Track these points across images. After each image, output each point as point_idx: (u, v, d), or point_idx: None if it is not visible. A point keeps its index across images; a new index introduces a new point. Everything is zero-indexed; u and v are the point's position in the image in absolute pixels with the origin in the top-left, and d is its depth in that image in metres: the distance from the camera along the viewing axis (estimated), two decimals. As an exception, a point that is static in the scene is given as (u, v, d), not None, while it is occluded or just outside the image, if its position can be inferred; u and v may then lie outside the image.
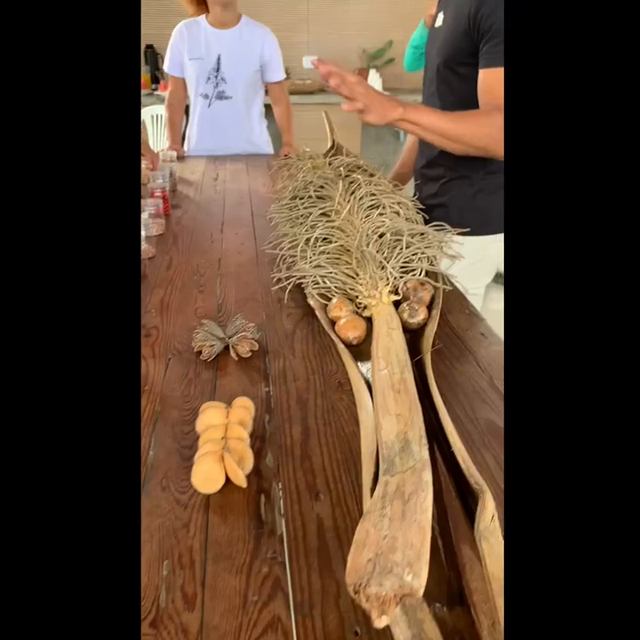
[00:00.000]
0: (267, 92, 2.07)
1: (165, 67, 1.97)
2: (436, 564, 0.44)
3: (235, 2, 1.81)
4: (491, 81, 0.97)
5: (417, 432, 0.51)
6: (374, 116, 0.92)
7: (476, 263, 1.11)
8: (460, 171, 1.11)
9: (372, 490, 0.46)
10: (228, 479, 0.55)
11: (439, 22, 1.11)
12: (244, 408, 0.62)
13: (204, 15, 1.87)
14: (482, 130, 0.95)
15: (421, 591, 0.33)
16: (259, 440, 0.61)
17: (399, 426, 0.53)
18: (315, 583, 0.45)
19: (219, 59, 1.87)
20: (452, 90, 1.07)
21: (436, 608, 0.40)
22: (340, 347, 0.75)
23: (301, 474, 0.56)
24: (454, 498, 0.50)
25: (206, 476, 0.55)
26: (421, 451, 0.48)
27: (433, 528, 0.43)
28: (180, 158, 1.94)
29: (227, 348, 0.77)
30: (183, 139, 2.10)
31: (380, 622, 0.32)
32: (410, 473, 0.44)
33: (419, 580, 0.33)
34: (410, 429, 0.52)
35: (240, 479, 0.54)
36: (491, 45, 0.96)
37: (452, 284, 0.95)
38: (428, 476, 0.43)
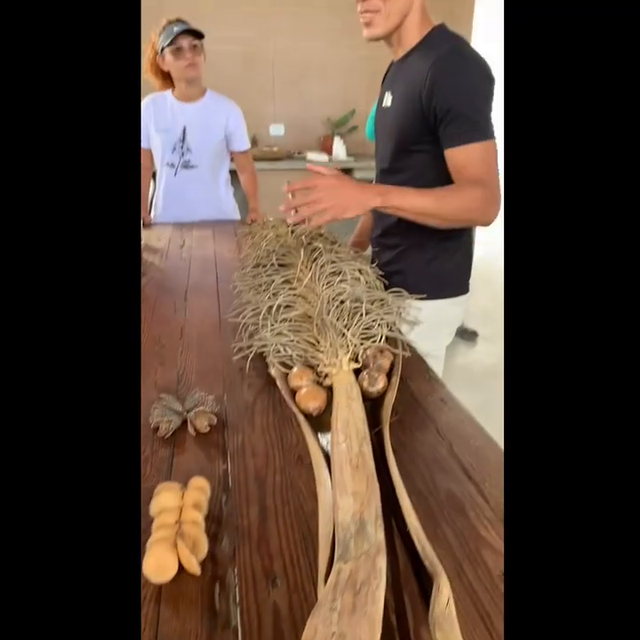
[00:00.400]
0: (232, 159, 2.13)
1: (133, 138, 2.02)
2: (392, 655, 0.42)
3: (199, 77, 1.89)
4: (460, 160, 1.01)
5: (373, 511, 0.51)
6: (352, 211, 0.95)
7: (435, 326, 1.13)
8: (414, 239, 1.15)
9: (327, 576, 0.45)
10: (181, 566, 0.53)
11: (387, 102, 1.16)
12: (199, 489, 0.61)
13: (170, 90, 1.94)
14: (464, 204, 0.99)
15: (369, 694, 0.31)
16: (214, 523, 0.59)
17: (355, 505, 0.52)
18: (268, 681, 0.43)
19: (184, 130, 1.93)
20: (407, 166, 1.11)
21: None
22: (300, 418, 0.74)
23: (258, 558, 0.55)
24: (411, 577, 0.49)
25: (158, 565, 0.53)
26: (377, 532, 0.47)
27: (388, 610, 0.42)
28: (147, 225, 1.96)
29: (185, 422, 0.76)
30: (151, 206, 2.13)
31: None
32: (363, 559, 0.43)
33: (366, 682, 0.31)
34: (366, 509, 0.51)
35: (193, 567, 0.52)
36: (453, 126, 1.00)
37: (411, 349, 0.96)
38: (381, 563, 0.43)
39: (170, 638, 0.47)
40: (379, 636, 0.36)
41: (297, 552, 0.55)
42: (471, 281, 1.24)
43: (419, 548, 0.48)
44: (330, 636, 0.35)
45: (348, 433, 0.65)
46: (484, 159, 0.99)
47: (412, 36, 1.09)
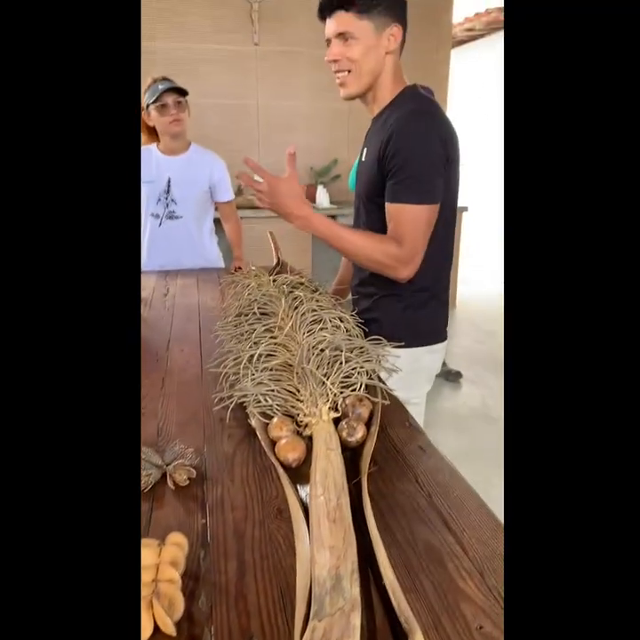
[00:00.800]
0: (217, 209, 2.18)
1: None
2: None
3: (184, 132, 1.95)
4: (392, 215, 1.08)
5: (349, 566, 0.51)
6: (281, 216, 1.11)
7: (413, 374, 1.15)
8: (389, 289, 1.19)
9: (303, 633, 0.45)
10: (157, 626, 0.53)
11: (363, 157, 1.22)
12: (177, 545, 0.60)
13: (155, 144, 2.00)
14: (376, 256, 1.08)
15: None
16: (192, 579, 0.59)
17: (332, 560, 0.52)
18: None
19: (169, 181, 1.98)
20: (376, 219, 1.16)
21: None
22: (280, 471, 0.74)
23: (235, 616, 0.54)
24: (388, 633, 0.49)
25: (133, 626, 0.52)
26: (352, 588, 0.48)
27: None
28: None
29: (164, 475, 0.76)
30: (135, 255, 2.16)
31: None
32: (338, 616, 0.43)
33: None
34: (342, 563, 0.51)
35: (169, 628, 0.52)
36: (392, 183, 1.07)
37: (391, 397, 0.97)
38: (355, 620, 0.43)
39: None
40: (350, 697, 0.36)
41: (275, 609, 0.55)
42: (455, 323, 1.27)
43: (394, 603, 0.48)
44: (302, 698, 0.35)
45: (327, 485, 0.66)
46: (410, 221, 1.06)
47: (385, 95, 1.16)
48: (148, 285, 1.84)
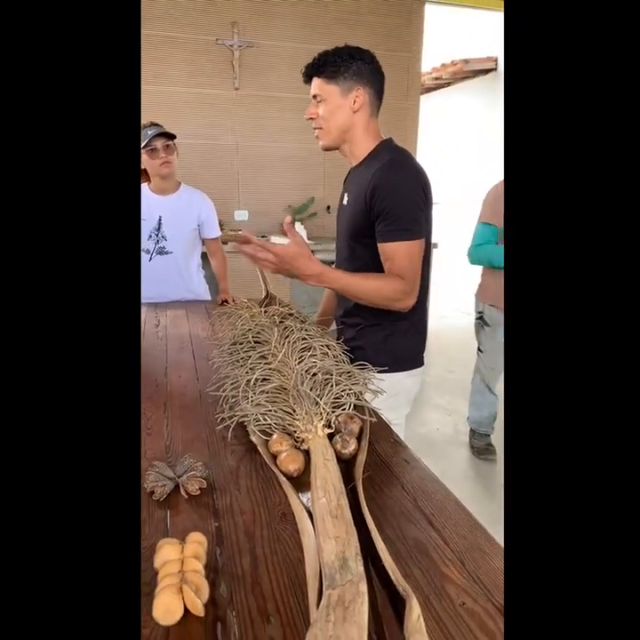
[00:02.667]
0: (203, 243, 2.29)
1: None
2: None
3: (173, 173, 2.07)
4: (388, 253, 1.21)
5: (353, 551, 0.60)
6: (295, 277, 1.16)
7: (394, 397, 1.26)
8: (372, 319, 1.31)
9: (318, 603, 0.54)
10: (186, 611, 0.61)
11: (345, 201, 1.37)
12: (197, 543, 0.68)
13: (146, 184, 2.11)
14: (383, 293, 1.19)
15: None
16: (212, 571, 0.67)
17: (338, 547, 0.61)
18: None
19: (160, 220, 2.08)
20: (359, 256, 1.30)
21: None
22: (282, 479, 0.83)
23: (253, 600, 0.62)
24: (387, 606, 0.58)
25: (167, 608, 0.60)
26: (357, 566, 0.57)
27: (370, 631, 0.50)
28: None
29: (177, 486, 0.84)
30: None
31: None
32: (349, 585, 0.53)
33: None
34: (347, 549, 0.61)
35: (198, 608, 0.60)
36: (384, 225, 1.20)
37: (377, 415, 1.07)
38: (363, 587, 0.52)
39: (180, 672, 0.54)
40: (366, 635, 0.45)
41: (287, 593, 0.63)
42: (427, 354, 1.39)
43: (393, 577, 0.57)
44: (328, 638, 0.44)
45: (327, 489, 0.75)
46: (406, 256, 1.19)
47: (361, 149, 1.31)
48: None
